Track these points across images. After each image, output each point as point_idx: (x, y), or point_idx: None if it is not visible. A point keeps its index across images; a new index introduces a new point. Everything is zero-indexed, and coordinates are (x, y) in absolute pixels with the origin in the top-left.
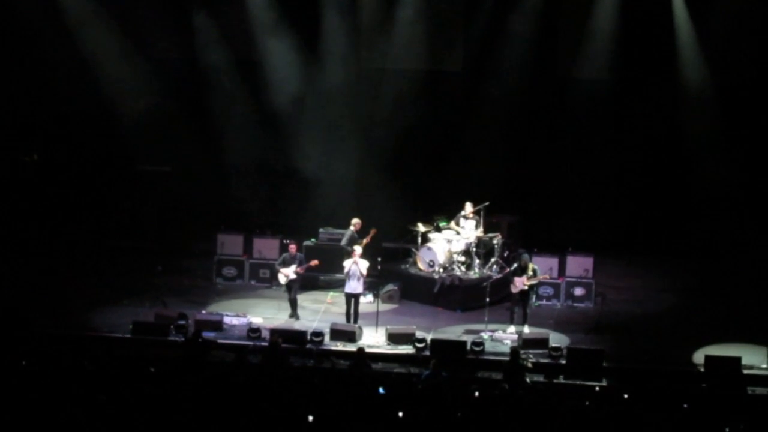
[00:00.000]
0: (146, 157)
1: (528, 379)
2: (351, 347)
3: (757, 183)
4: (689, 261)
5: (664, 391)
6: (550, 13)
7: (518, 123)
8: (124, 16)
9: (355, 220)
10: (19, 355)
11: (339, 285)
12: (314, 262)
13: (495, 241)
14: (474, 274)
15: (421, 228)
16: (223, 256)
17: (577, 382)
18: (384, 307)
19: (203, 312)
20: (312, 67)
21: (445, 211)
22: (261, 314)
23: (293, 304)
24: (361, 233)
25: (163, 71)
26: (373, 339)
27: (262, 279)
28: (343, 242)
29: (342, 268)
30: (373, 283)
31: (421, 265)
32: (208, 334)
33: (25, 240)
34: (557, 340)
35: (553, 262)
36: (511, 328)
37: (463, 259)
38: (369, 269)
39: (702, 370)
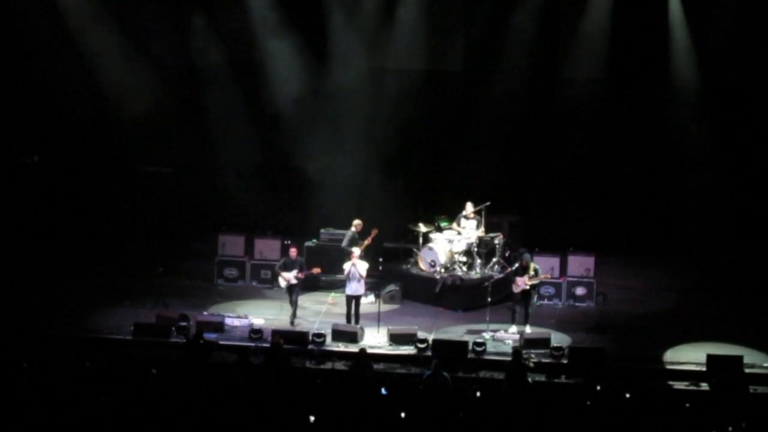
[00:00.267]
0: (147, 159)
1: (530, 379)
2: (353, 348)
3: (756, 184)
4: (691, 260)
5: (666, 391)
6: (551, 13)
7: (519, 123)
8: (125, 17)
9: (357, 221)
10: (20, 357)
11: (340, 286)
12: (316, 270)
13: (496, 241)
14: (475, 274)
15: (423, 228)
16: (224, 257)
17: (579, 382)
18: (385, 307)
19: (205, 313)
20: (313, 68)
21: (447, 211)
22: (263, 315)
23: (294, 308)
24: (362, 234)
25: (164, 72)
26: (375, 339)
27: (264, 280)
28: (344, 243)
29: (342, 269)
30: (374, 284)
31: (423, 266)
32: (210, 336)
33: (26, 242)
34: (559, 339)
35: (555, 261)
36: (513, 328)
37: (464, 259)
38: (368, 270)
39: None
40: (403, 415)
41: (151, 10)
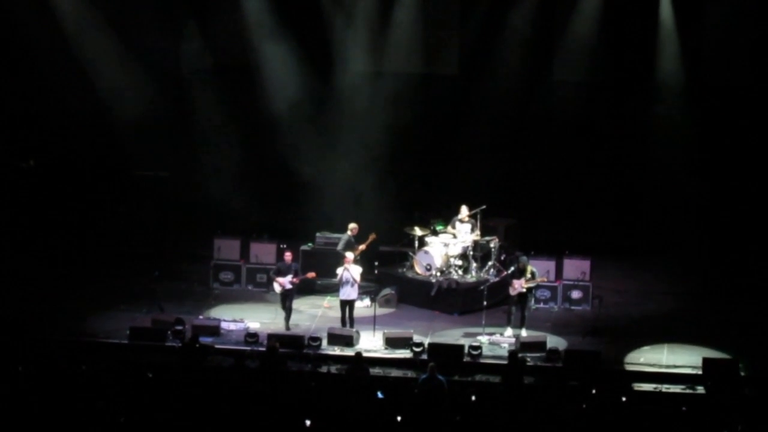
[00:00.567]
0: (143, 162)
1: (525, 382)
2: (348, 351)
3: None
4: (687, 263)
5: (661, 394)
6: (546, 15)
7: (514, 126)
8: (121, 21)
9: (352, 225)
10: (16, 361)
11: (336, 289)
12: (311, 275)
13: (492, 245)
14: (471, 277)
15: (418, 232)
16: (220, 260)
17: (575, 385)
18: (381, 311)
19: (200, 317)
20: (309, 71)
21: (442, 215)
22: (258, 319)
23: (288, 313)
24: (358, 238)
25: (160, 76)
26: (371, 343)
27: (259, 284)
28: (340, 247)
29: (336, 273)
30: (370, 288)
31: (418, 269)
32: (206, 339)
33: (22, 246)
34: (555, 342)
35: (550, 265)
36: (509, 331)
37: (460, 262)
38: (362, 274)
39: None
40: (399, 418)
41: (148, 14)
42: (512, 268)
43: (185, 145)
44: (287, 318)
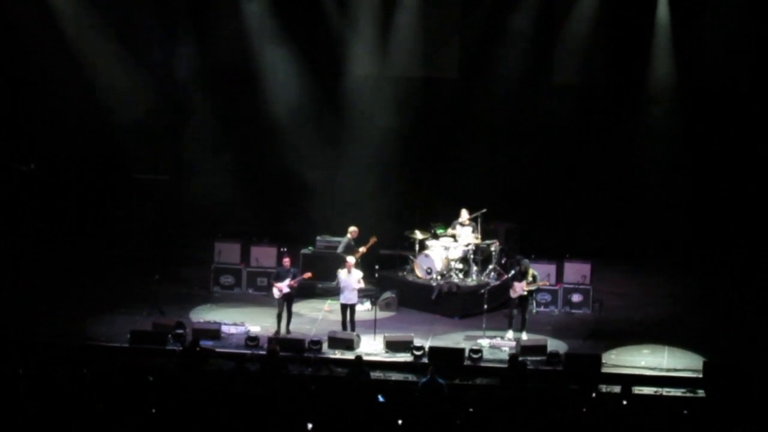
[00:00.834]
0: (143, 166)
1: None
2: (349, 355)
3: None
4: (688, 267)
5: (662, 398)
6: (546, 19)
7: (515, 129)
8: (121, 24)
9: (352, 228)
10: (17, 364)
11: (336, 293)
12: (307, 275)
13: (492, 248)
14: (471, 281)
15: (419, 235)
16: (220, 264)
17: (575, 388)
18: (382, 314)
19: (201, 320)
20: (309, 75)
21: (442, 218)
22: (259, 322)
23: (283, 318)
24: (358, 241)
25: (160, 79)
26: (371, 347)
27: (260, 287)
28: (340, 250)
29: (336, 276)
30: (370, 291)
31: (419, 273)
32: (206, 343)
33: (23, 249)
34: (555, 346)
35: (551, 268)
36: (510, 334)
37: (460, 266)
38: (363, 279)
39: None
40: (399, 422)
41: (148, 18)
42: (513, 271)
43: (185, 148)
44: (288, 322)
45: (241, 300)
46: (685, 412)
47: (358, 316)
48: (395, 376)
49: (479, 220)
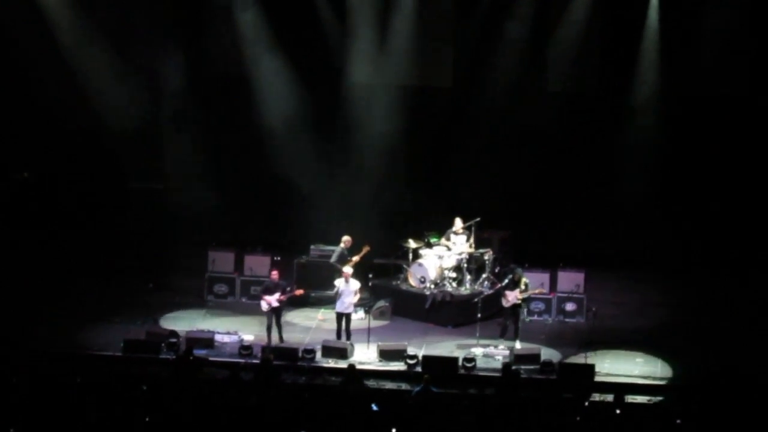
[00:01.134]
0: (138, 175)
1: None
2: (343, 364)
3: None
4: (682, 275)
5: (656, 406)
6: (541, 29)
7: (509, 138)
8: (115, 33)
9: (346, 238)
10: (10, 373)
11: (330, 302)
12: (298, 292)
13: (486, 257)
14: (465, 289)
15: (412, 244)
16: (214, 273)
17: (569, 397)
18: (375, 323)
19: (194, 329)
20: (303, 83)
21: (436, 227)
22: (252, 331)
23: (274, 330)
24: (351, 250)
25: (154, 88)
26: (365, 355)
27: (253, 296)
28: (333, 259)
29: (333, 285)
30: (364, 300)
31: (413, 281)
32: (200, 352)
33: (16, 257)
34: (549, 355)
35: (545, 277)
36: (503, 344)
37: (454, 275)
38: (361, 289)
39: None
40: (393, 430)
41: (143, 27)
42: (506, 280)
43: (179, 157)
44: (280, 332)
45: (236, 308)
46: (678, 421)
47: (351, 325)
48: (389, 385)
49: (473, 228)
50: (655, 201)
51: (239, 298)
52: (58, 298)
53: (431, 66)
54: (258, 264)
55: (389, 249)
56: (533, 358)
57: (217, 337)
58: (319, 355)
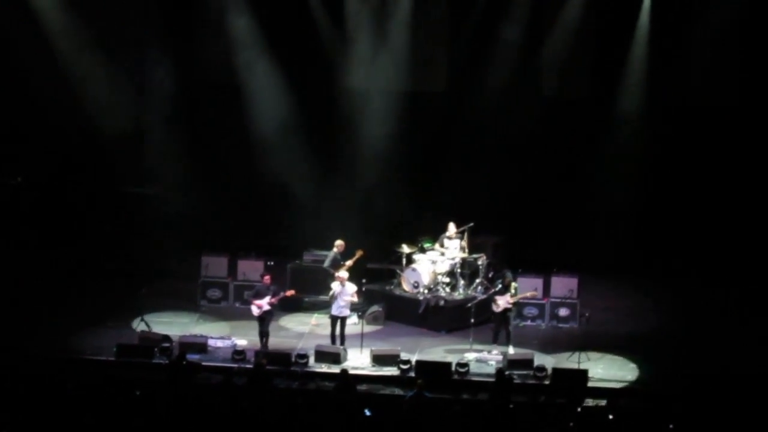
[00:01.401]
0: (131, 179)
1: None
2: (336, 369)
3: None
4: (675, 281)
5: (649, 412)
6: (534, 34)
7: (502, 143)
8: (109, 38)
9: (339, 242)
10: (2, 378)
11: (323, 307)
12: (290, 292)
13: (479, 262)
14: (459, 295)
15: (406, 249)
16: (207, 278)
17: (562, 403)
18: (369, 328)
19: (188, 334)
20: (297, 88)
21: (429, 232)
22: (245, 336)
23: (265, 337)
24: (344, 255)
25: (148, 93)
26: (358, 360)
27: (247, 301)
28: (326, 264)
29: (326, 289)
30: (357, 305)
31: (406, 286)
32: (193, 357)
33: (9, 263)
34: (542, 360)
35: (538, 282)
36: (496, 349)
37: (447, 280)
38: (357, 293)
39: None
40: None
41: (136, 30)
42: (498, 285)
43: (173, 161)
44: (265, 343)
45: (229, 313)
46: (671, 426)
47: (345, 330)
48: (382, 390)
49: (466, 233)
50: (648, 207)
51: (232, 303)
52: (51, 302)
53: (425, 71)
54: (251, 269)
55: (383, 254)
56: (526, 363)
57: (211, 342)
58: (312, 360)
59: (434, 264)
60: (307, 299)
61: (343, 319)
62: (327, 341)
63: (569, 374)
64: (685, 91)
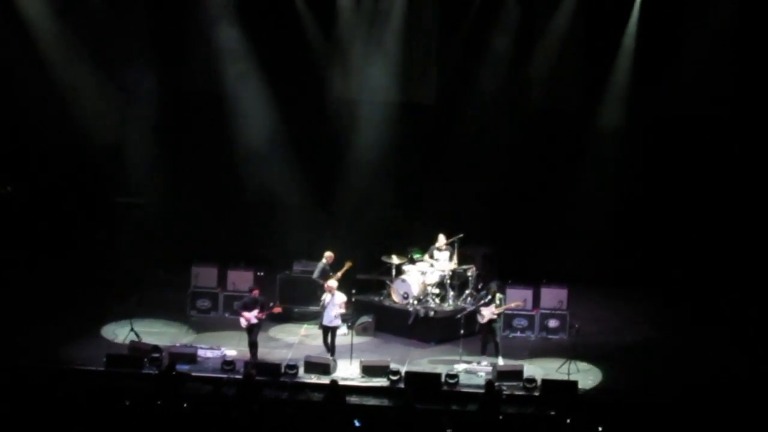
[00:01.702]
0: (121, 189)
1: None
2: (325, 380)
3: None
4: (665, 292)
5: (638, 423)
6: (524, 46)
7: (492, 154)
8: (98, 48)
9: (328, 253)
10: None
11: (313, 317)
12: (277, 310)
13: (469, 273)
14: (448, 306)
15: (395, 260)
16: (197, 288)
17: (551, 414)
18: (358, 339)
19: (177, 344)
20: (286, 99)
21: (419, 243)
22: (235, 347)
23: (254, 347)
24: (334, 266)
25: (137, 103)
26: (348, 371)
27: (236, 312)
28: (315, 275)
29: (316, 300)
30: (347, 315)
31: (396, 297)
32: (182, 367)
33: None
34: (531, 371)
35: (528, 293)
36: (485, 360)
37: (437, 291)
38: (346, 303)
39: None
40: None
41: (125, 41)
42: (488, 297)
43: (162, 172)
44: (255, 354)
45: (219, 323)
46: None
47: (335, 341)
48: (371, 401)
49: (456, 245)
50: (638, 218)
51: (222, 313)
52: (40, 312)
53: (415, 82)
54: (241, 279)
55: (372, 265)
56: (516, 374)
57: (200, 352)
58: (301, 370)
59: (424, 275)
60: (296, 310)
61: (334, 330)
62: (317, 352)
63: (559, 386)
64: (673, 102)
